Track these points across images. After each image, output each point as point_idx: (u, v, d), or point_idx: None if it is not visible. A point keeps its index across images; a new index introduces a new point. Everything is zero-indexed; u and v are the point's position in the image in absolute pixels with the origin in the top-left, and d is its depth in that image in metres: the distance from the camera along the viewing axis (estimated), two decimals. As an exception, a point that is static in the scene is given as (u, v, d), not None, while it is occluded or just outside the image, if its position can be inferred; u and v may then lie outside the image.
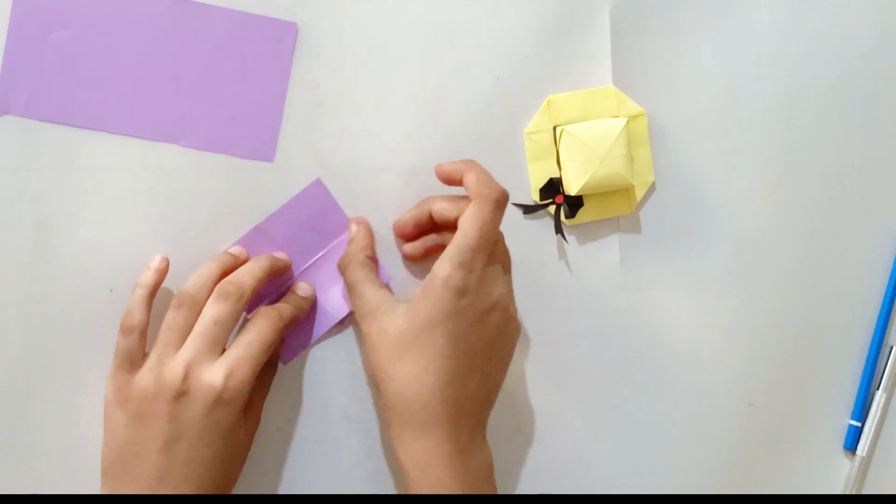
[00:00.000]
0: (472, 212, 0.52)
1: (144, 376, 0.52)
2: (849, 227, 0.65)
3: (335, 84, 0.59)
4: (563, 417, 0.62)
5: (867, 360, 0.65)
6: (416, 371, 0.52)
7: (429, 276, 0.52)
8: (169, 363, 0.52)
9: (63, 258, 0.57)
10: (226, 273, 0.55)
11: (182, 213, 0.58)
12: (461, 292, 0.52)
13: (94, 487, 0.55)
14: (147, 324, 0.54)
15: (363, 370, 0.60)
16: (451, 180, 0.56)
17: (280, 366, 0.59)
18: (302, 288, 0.58)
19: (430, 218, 0.58)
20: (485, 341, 0.53)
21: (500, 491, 0.61)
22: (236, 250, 0.58)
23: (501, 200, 0.53)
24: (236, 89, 0.58)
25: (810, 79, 0.64)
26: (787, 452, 0.65)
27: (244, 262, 0.57)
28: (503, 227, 0.60)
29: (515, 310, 0.56)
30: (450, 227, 0.56)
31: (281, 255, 0.58)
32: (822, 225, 0.64)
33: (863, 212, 0.65)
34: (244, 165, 0.59)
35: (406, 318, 0.52)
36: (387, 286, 0.57)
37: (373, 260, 0.58)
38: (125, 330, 0.54)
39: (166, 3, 0.57)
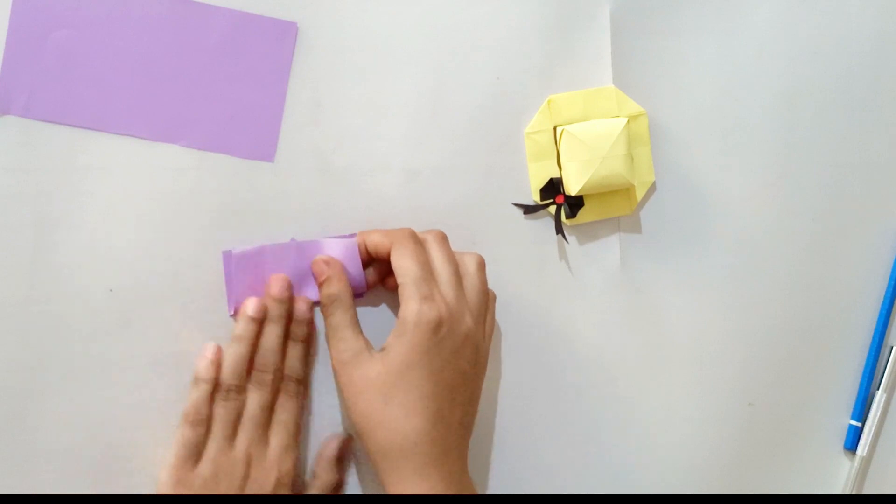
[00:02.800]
0: (398, 249, 0.54)
1: (206, 466, 0.54)
2: (849, 227, 0.65)
3: (335, 84, 0.59)
4: (562, 417, 0.62)
5: (867, 360, 0.65)
6: (403, 413, 0.52)
7: (398, 319, 0.53)
8: (230, 453, 0.54)
9: (63, 258, 0.57)
10: (252, 346, 0.56)
11: (182, 213, 0.58)
12: (436, 325, 0.52)
13: (93, 488, 0.56)
14: (211, 417, 0.55)
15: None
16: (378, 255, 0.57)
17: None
18: (300, 312, 0.58)
19: (366, 251, 0.58)
20: (460, 373, 0.54)
21: (500, 491, 0.61)
22: (252, 310, 0.56)
23: (413, 235, 0.55)
24: (236, 89, 0.58)
25: (810, 79, 0.64)
26: (787, 452, 0.65)
27: (259, 327, 0.57)
28: (503, 228, 0.60)
29: (483, 335, 0.56)
30: (383, 260, 0.57)
31: (281, 293, 0.57)
32: (822, 225, 0.64)
33: (863, 212, 0.65)
34: (244, 165, 0.58)
35: (385, 362, 0.53)
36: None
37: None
38: (192, 423, 0.55)
39: (166, 2, 0.57)
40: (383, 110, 0.60)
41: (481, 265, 0.57)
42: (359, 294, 0.58)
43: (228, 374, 0.55)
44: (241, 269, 0.57)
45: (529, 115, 0.61)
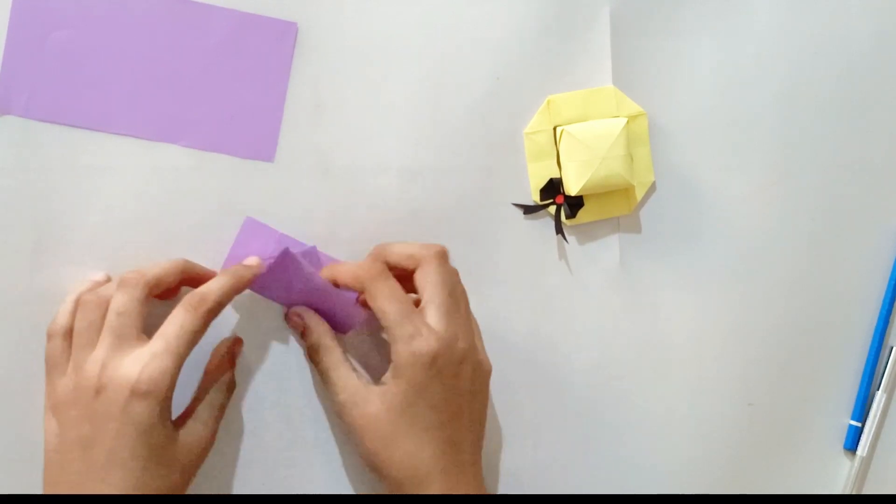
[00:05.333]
0: (371, 292, 0.53)
1: (64, 382, 0.51)
2: (849, 227, 0.65)
3: (335, 84, 0.59)
4: (562, 417, 0.62)
5: (867, 360, 0.65)
6: (411, 448, 0.52)
7: (392, 363, 0.53)
8: (84, 364, 0.51)
9: (63, 258, 0.57)
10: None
11: (182, 213, 0.58)
12: (430, 361, 0.52)
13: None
14: (71, 328, 0.53)
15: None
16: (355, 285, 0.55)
17: (281, 367, 0.59)
18: (250, 259, 0.57)
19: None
20: (464, 394, 0.54)
21: (500, 491, 0.61)
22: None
23: (382, 273, 0.54)
24: (236, 89, 0.58)
25: (810, 79, 0.64)
26: (787, 452, 0.65)
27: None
28: (503, 228, 0.60)
29: (482, 346, 0.56)
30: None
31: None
32: (822, 225, 0.64)
33: (863, 212, 0.65)
34: (244, 165, 0.58)
35: (385, 401, 0.52)
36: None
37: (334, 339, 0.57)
38: (48, 334, 0.53)
39: (166, 2, 0.57)
40: (383, 110, 0.60)
41: (443, 261, 0.56)
42: (357, 324, 0.58)
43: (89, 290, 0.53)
44: (249, 239, 0.57)
45: (529, 115, 0.61)
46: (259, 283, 0.56)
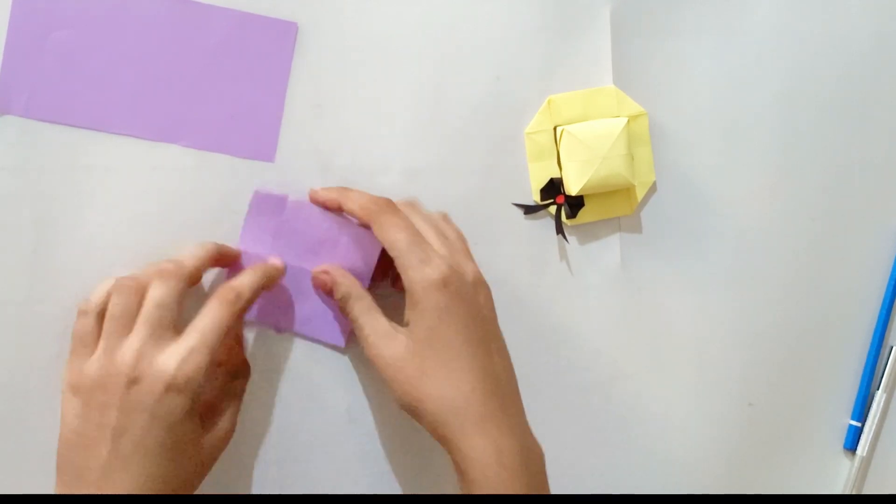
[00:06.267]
0: (379, 225, 0.53)
1: (93, 365, 0.51)
2: (849, 227, 0.65)
3: (335, 84, 0.59)
4: (562, 417, 0.62)
5: (867, 360, 0.65)
6: (445, 379, 0.51)
7: (407, 291, 0.53)
8: (117, 351, 0.51)
9: (63, 258, 0.57)
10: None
11: (182, 213, 0.58)
12: (443, 282, 0.52)
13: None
14: (104, 310, 0.53)
15: (366, 370, 0.60)
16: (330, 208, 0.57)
17: (281, 366, 0.59)
18: (273, 258, 0.57)
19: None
20: (485, 321, 0.54)
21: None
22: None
23: (389, 206, 0.54)
24: (236, 89, 0.58)
25: (810, 79, 0.64)
26: (787, 452, 0.65)
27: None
28: (503, 228, 0.60)
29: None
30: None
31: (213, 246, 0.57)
32: (822, 225, 0.64)
33: (863, 212, 0.65)
34: (244, 165, 0.58)
35: (411, 336, 0.52)
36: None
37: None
38: (80, 311, 0.53)
39: (166, 2, 0.57)
40: (383, 110, 0.60)
41: (446, 216, 0.58)
42: (373, 279, 0.58)
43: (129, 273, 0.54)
44: (259, 210, 0.58)
45: (529, 115, 0.61)
46: (247, 232, 0.57)
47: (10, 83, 0.56)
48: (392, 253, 0.53)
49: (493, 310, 0.55)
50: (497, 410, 0.52)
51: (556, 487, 0.62)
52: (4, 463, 0.57)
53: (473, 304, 0.53)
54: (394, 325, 0.54)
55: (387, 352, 0.53)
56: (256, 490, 0.59)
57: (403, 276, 0.53)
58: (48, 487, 0.56)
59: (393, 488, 0.60)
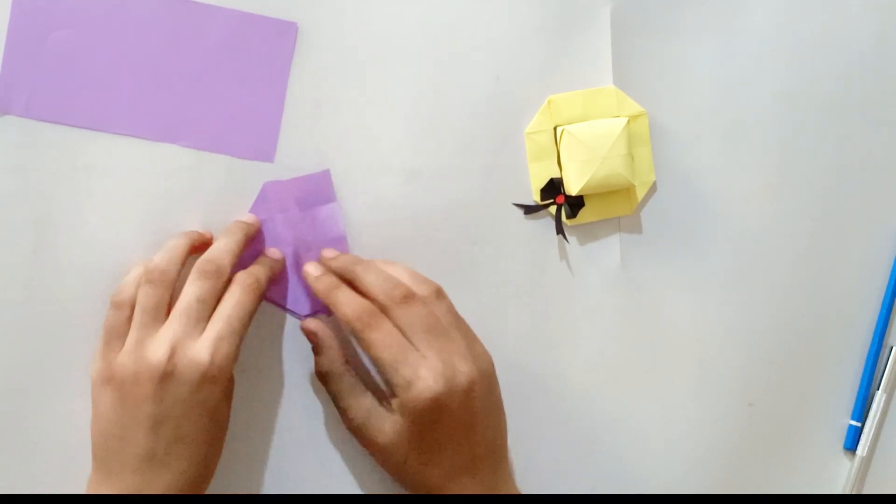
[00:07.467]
0: (366, 347, 0.53)
1: (125, 357, 0.51)
2: (849, 227, 0.65)
3: (335, 84, 0.59)
4: (562, 417, 0.62)
5: (867, 360, 0.65)
6: (426, 469, 0.53)
7: (396, 398, 0.53)
8: (150, 344, 0.51)
9: (63, 258, 0.57)
10: (194, 248, 0.55)
11: (182, 213, 0.58)
12: (433, 402, 0.51)
13: (94, 488, 0.56)
14: (134, 301, 0.53)
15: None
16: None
17: (281, 366, 0.59)
18: (272, 251, 0.58)
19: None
20: (479, 413, 0.54)
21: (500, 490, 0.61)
22: (203, 231, 0.57)
23: (373, 318, 0.53)
24: (236, 89, 0.58)
25: (810, 79, 0.64)
26: (787, 452, 0.65)
27: (210, 239, 0.57)
28: (503, 228, 0.60)
29: (477, 344, 0.55)
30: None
31: (250, 217, 0.57)
32: (822, 225, 0.64)
33: (863, 212, 0.65)
34: (244, 165, 0.58)
35: (395, 432, 0.53)
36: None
37: (347, 362, 0.57)
38: (113, 303, 0.53)
39: (166, 2, 0.57)
40: (383, 110, 0.60)
41: (439, 291, 0.55)
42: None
43: (158, 259, 0.54)
44: (266, 198, 0.58)
45: (529, 115, 0.61)
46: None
47: (10, 83, 0.56)
48: (379, 370, 0.55)
49: (493, 393, 0.55)
50: (489, 474, 0.54)
51: (556, 487, 0.62)
52: (4, 463, 0.57)
53: (466, 411, 0.53)
54: (375, 405, 0.55)
55: (368, 435, 0.55)
56: (255, 490, 0.59)
57: (391, 387, 0.53)
58: (49, 487, 0.57)
59: (394, 488, 0.60)
